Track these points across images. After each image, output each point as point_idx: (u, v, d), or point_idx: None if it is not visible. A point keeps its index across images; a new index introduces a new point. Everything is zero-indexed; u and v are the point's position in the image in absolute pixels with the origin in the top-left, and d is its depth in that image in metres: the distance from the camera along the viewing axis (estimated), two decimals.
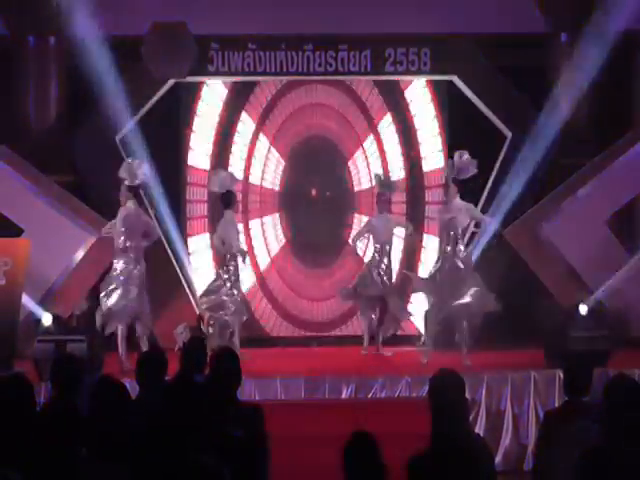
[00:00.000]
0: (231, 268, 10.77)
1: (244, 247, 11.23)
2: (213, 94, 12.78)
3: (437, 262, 10.60)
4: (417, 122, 12.92)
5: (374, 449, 4.44)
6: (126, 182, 10.45)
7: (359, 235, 11.61)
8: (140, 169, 10.50)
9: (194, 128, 12.71)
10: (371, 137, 12.93)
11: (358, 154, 12.95)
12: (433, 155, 12.93)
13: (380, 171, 12.28)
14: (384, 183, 11.40)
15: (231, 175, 11.12)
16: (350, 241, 12.06)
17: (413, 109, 12.90)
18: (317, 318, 12.87)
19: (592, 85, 12.25)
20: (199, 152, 12.75)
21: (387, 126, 12.93)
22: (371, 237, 11.38)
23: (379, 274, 11.14)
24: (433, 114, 12.88)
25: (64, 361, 6.02)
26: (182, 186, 12.70)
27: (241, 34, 12.22)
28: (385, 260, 11.20)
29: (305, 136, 12.91)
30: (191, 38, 11.96)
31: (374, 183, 11.61)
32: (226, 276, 10.75)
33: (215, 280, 10.93)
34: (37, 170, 11.59)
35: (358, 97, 12.93)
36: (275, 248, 12.91)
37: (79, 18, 11.31)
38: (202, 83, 12.68)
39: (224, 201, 10.88)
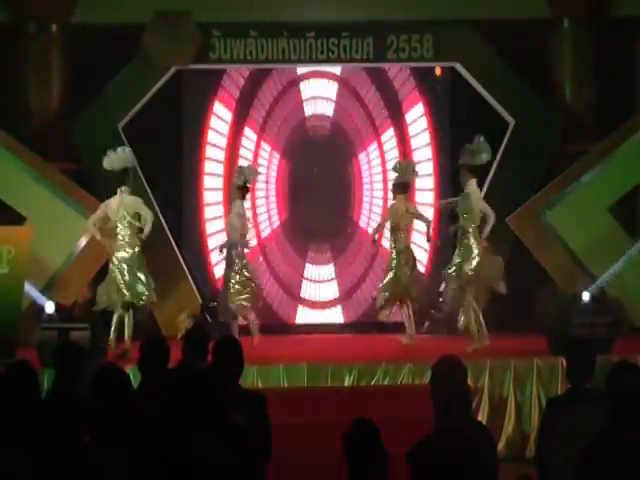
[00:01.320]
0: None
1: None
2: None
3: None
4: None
5: (376, 436, 4.44)
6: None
7: (379, 227, 11.46)
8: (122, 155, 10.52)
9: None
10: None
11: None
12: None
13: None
14: (401, 168, 11.22)
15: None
16: (371, 233, 11.76)
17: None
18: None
19: (595, 70, 12.24)
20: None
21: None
22: (388, 223, 11.19)
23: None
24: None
25: (67, 348, 6.02)
26: (185, 172, 12.69)
27: (243, 21, 12.19)
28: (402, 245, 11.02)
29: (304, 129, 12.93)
30: (193, 26, 11.94)
31: (395, 169, 11.43)
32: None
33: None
34: (40, 158, 11.59)
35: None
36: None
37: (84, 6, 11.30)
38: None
39: None
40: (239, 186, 10.94)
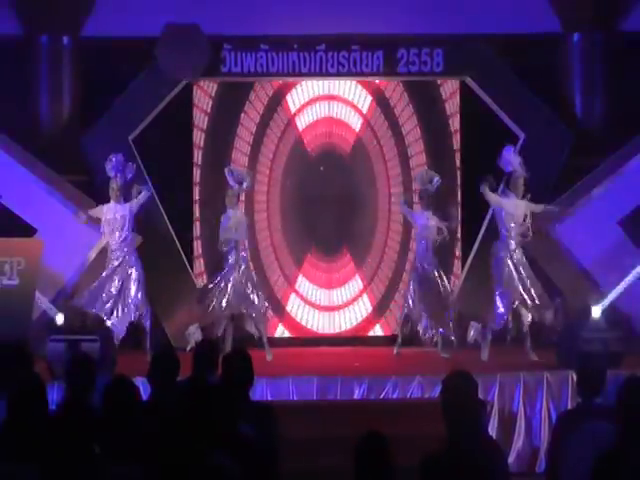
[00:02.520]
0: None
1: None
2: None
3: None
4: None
5: (386, 450, 4.44)
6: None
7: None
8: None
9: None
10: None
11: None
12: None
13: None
14: (425, 177, 11.28)
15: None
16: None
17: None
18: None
19: (606, 84, 12.24)
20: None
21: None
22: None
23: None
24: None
25: (79, 361, 6.03)
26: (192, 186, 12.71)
27: (254, 35, 12.23)
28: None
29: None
30: (204, 39, 11.98)
31: (417, 179, 11.53)
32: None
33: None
34: (50, 169, 11.62)
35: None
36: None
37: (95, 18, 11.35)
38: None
39: None
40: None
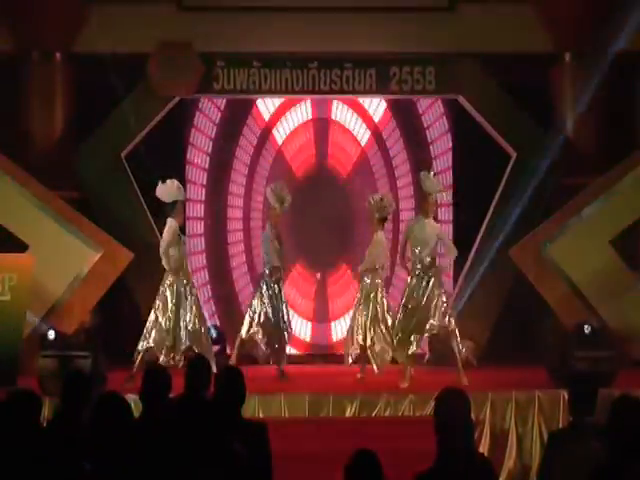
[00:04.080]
0: None
1: None
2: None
3: None
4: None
5: (377, 467, 4.43)
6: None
7: (402, 247, 10.65)
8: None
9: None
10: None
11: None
12: None
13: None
14: (427, 182, 10.49)
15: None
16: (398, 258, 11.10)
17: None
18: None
19: (597, 104, 12.28)
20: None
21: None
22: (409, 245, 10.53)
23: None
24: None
25: (74, 377, 6.01)
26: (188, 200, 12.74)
27: (246, 52, 12.26)
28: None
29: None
30: (196, 56, 12.01)
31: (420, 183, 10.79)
32: None
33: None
34: (42, 186, 11.61)
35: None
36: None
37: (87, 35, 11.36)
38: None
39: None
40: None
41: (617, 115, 12.32)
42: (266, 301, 10.69)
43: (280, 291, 10.77)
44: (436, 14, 12.38)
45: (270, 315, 10.66)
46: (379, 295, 10.68)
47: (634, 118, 12.72)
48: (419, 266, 10.26)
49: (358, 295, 10.81)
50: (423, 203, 10.53)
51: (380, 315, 10.63)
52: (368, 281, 10.68)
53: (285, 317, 10.77)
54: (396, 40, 12.20)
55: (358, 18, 12.22)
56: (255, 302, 10.75)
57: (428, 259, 10.26)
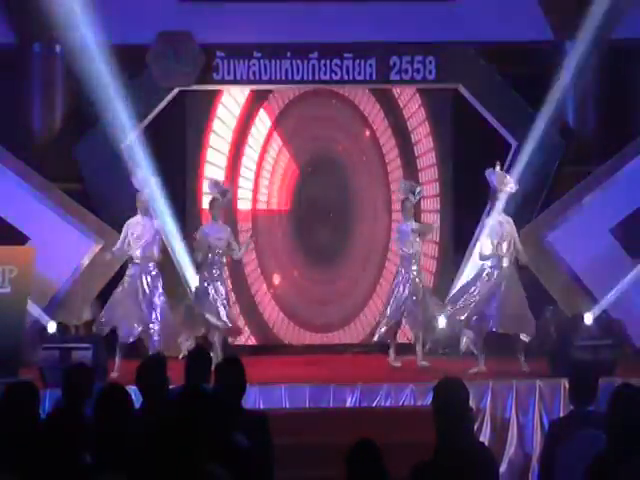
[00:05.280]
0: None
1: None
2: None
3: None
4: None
5: (378, 457, 4.44)
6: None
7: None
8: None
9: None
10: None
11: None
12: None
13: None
14: (407, 188, 11.07)
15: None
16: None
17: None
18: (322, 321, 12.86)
19: (597, 93, 12.26)
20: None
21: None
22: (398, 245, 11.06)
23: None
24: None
25: (76, 369, 6.02)
26: (187, 194, 12.68)
27: (247, 42, 12.24)
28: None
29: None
30: (196, 46, 11.99)
31: (400, 189, 11.26)
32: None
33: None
34: (43, 178, 11.61)
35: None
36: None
37: (85, 26, 11.33)
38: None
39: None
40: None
41: (617, 104, 12.30)
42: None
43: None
44: (436, 3, 12.35)
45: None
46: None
47: (635, 106, 12.70)
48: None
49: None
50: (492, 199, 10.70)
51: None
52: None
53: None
54: (396, 30, 12.18)
55: (358, 8, 12.19)
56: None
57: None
